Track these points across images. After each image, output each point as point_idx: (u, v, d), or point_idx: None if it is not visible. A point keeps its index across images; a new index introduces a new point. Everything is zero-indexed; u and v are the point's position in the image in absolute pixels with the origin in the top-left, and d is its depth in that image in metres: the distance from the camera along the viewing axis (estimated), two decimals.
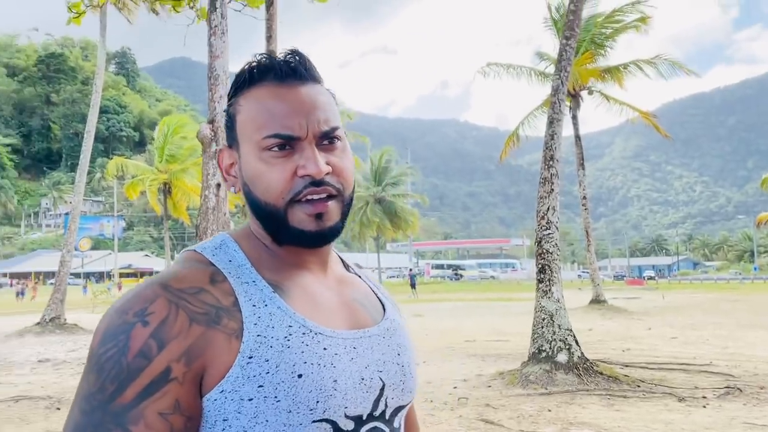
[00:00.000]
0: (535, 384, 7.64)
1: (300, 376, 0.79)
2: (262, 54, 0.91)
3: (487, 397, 7.28)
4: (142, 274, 70.86)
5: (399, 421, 0.93)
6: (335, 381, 0.82)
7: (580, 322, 15.76)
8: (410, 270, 49.64)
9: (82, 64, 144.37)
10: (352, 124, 43.76)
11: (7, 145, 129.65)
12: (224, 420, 0.78)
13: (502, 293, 39.09)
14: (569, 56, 9.39)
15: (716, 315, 19.46)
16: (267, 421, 0.78)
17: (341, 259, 1.06)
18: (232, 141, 0.92)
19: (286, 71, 0.89)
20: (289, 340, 0.81)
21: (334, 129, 0.88)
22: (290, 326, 0.83)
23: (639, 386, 7.54)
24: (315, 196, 0.86)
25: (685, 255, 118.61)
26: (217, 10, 6.52)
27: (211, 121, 6.60)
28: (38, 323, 16.66)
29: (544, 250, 8.73)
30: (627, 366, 9.07)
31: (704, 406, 6.56)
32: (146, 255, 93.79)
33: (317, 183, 0.85)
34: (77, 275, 67.19)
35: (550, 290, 8.55)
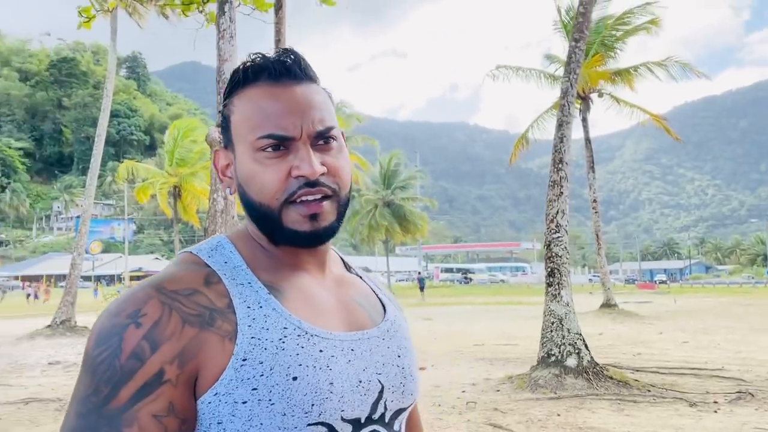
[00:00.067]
0: (544, 388, 7.59)
1: (295, 378, 0.78)
2: (256, 53, 0.90)
3: (496, 401, 7.24)
4: None
5: (400, 424, 0.92)
6: (331, 383, 0.81)
7: (591, 327, 15.66)
8: (419, 273, 49.55)
9: (94, 68, 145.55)
10: (361, 127, 43.79)
11: (20, 149, 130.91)
12: (218, 423, 0.77)
13: (512, 297, 38.95)
14: (578, 59, 9.36)
15: (729, 319, 19.29)
16: (261, 424, 0.77)
17: (342, 260, 1.05)
18: (228, 142, 0.92)
19: (280, 71, 0.87)
20: (283, 342, 0.80)
21: (330, 129, 0.87)
22: (285, 328, 0.81)
23: (649, 391, 7.47)
24: (309, 197, 0.84)
25: (697, 259, 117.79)
26: (226, 14, 6.54)
27: (220, 125, 6.62)
28: (49, 326, 16.77)
29: (554, 254, 8.68)
30: (637, 371, 9.00)
31: (715, 411, 6.49)
32: (156, 258, 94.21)
33: (312, 184, 0.84)
34: (88, 278, 67.60)
35: (559, 294, 8.50)
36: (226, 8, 6.53)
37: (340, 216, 0.89)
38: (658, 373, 8.86)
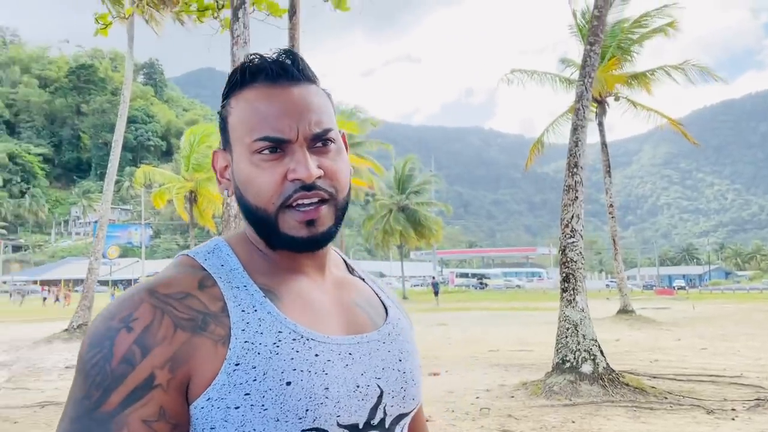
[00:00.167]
0: (559, 395, 7.52)
1: (288, 383, 0.77)
2: (254, 54, 0.89)
3: (510, 407, 7.18)
4: None
5: (401, 429, 0.90)
6: (326, 388, 0.79)
7: (607, 333, 15.52)
8: (433, 278, 49.43)
9: (112, 74, 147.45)
10: (376, 132, 43.86)
11: (39, 155, 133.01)
12: (211, 428, 0.76)
13: (528, 302, 38.71)
14: (594, 62, 9.29)
15: (748, 326, 19.01)
16: (254, 429, 0.76)
17: (345, 262, 1.04)
18: (226, 143, 0.90)
19: (278, 72, 0.86)
20: (278, 346, 0.79)
21: (327, 131, 0.86)
22: (280, 332, 0.80)
23: (666, 398, 7.37)
24: (306, 201, 0.83)
25: (717, 264, 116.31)
26: (240, 20, 6.58)
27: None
28: (66, 330, 16.93)
29: (569, 259, 8.61)
30: (654, 377, 8.88)
31: (733, 419, 6.39)
32: None
33: (308, 187, 0.83)
34: (105, 283, 68.26)
35: (574, 299, 8.42)
36: (240, 14, 6.57)
37: (338, 220, 0.87)
38: (675, 380, 8.74)
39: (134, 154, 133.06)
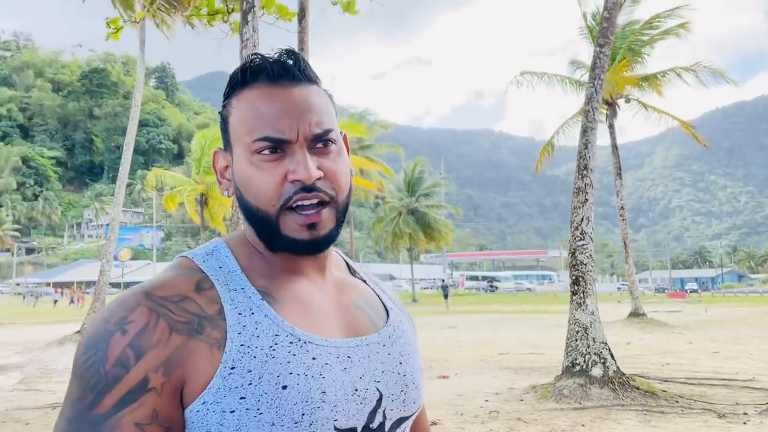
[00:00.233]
0: (568, 398, 7.48)
1: (284, 387, 0.77)
2: (255, 54, 0.88)
3: (519, 410, 7.15)
4: None
5: None
6: (323, 392, 0.79)
7: (618, 336, 15.43)
8: (442, 281, 49.32)
9: (124, 78, 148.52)
10: (386, 134, 43.89)
11: (52, 158, 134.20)
12: None
13: (539, 306, 38.54)
14: (603, 64, 9.26)
15: (761, 329, 18.83)
16: None
17: (347, 263, 1.03)
18: (226, 143, 0.90)
19: (279, 72, 0.85)
20: (274, 349, 0.78)
21: (328, 131, 0.85)
22: (277, 335, 0.80)
23: (677, 402, 7.31)
24: (306, 202, 0.83)
25: (730, 267, 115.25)
26: (249, 23, 6.61)
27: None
28: (78, 332, 17.04)
29: (579, 262, 8.57)
30: (666, 381, 8.82)
31: (745, 423, 6.33)
32: None
33: (308, 188, 0.82)
34: (117, 285, 68.69)
35: (584, 302, 8.38)
36: (249, 18, 6.60)
37: (339, 222, 0.87)
38: (686, 383, 8.67)
39: (146, 157, 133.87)
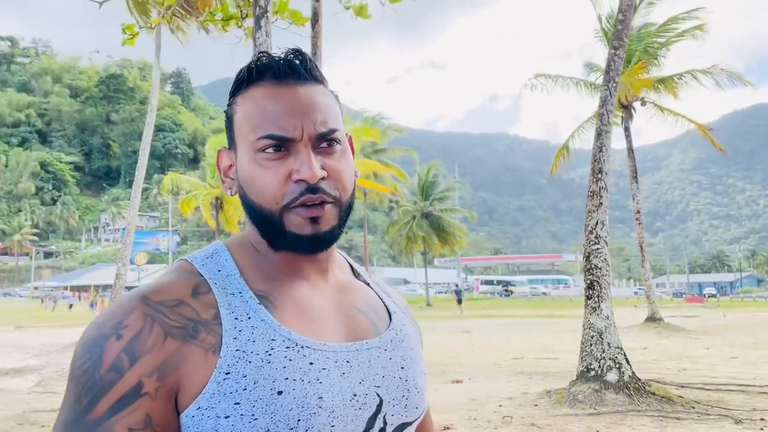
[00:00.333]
0: (583, 404, 7.41)
1: (280, 392, 0.76)
2: (262, 52, 0.88)
3: (533, 416, 7.10)
4: None
5: None
6: (320, 398, 0.78)
7: (635, 341, 15.29)
8: (456, 286, 49.14)
9: (140, 84, 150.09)
10: (399, 138, 43.88)
11: (70, 163, 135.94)
12: None
13: (554, 310, 38.29)
14: (618, 66, 9.20)
15: None
16: None
17: (351, 266, 1.02)
18: (231, 142, 0.89)
19: (285, 70, 0.85)
20: (270, 354, 0.77)
21: (333, 131, 0.84)
22: (273, 340, 0.79)
23: (693, 407, 7.22)
24: (309, 203, 0.82)
25: (749, 272, 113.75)
26: (262, 28, 6.65)
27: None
28: None
29: (593, 266, 8.50)
30: (682, 386, 8.71)
31: (762, 429, 6.23)
32: None
33: (312, 189, 0.81)
34: (133, 288, 69.28)
35: (599, 307, 8.30)
36: (263, 23, 6.64)
37: (342, 222, 0.86)
38: (703, 389, 8.56)
39: (162, 161, 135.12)
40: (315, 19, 8.79)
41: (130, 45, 9.60)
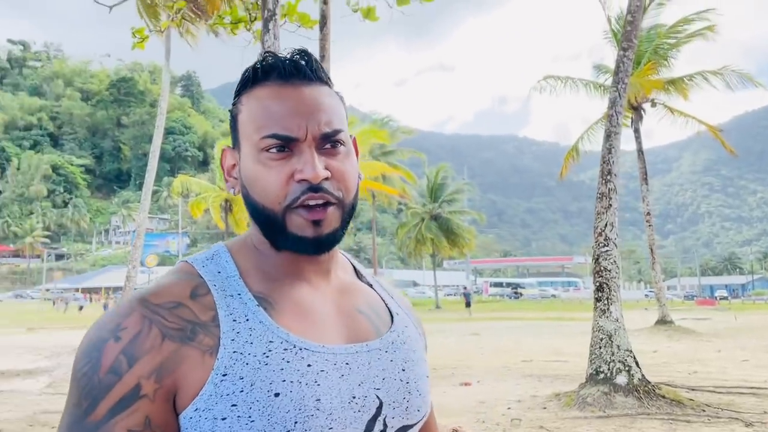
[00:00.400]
0: (592, 407, 7.37)
1: (277, 394, 0.75)
2: (268, 52, 0.88)
3: (542, 419, 7.07)
4: None
5: None
6: (318, 400, 0.77)
7: (645, 344, 15.20)
8: (464, 288, 49.01)
9: (151, 87, 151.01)
10: (408, 140, 43.87)
11: (81, 166, 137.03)
12: None
13: (563, 312, 38.13)
14: (627, 68, 9.16)
15: None
16: None
17: (353, 266, 1.01)
18: (235, 141, 0.90)
19: (290, 71, 0.85)
20: (267, 356, 0.77)
21: (337, 132, 0.84)
22: (271, 342, 0.79)
23: (704, 410, 7.16)
24: (312, 202, 0.82)
25: (761, 274, 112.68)
26: (270, 31, 6.67)
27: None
28: None
29: (602, 268, 8.46)
30: (692, 389, 8.65)
31: None
32: None
33: (315, 188, 0.81)
34: None
35: (608, 309, 8.26)
36: (271, 26, 6.66)
37: (344, 224, 0.86)
38: (714, 392, 8.50)
39: (172, 164, 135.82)
40: (323, 21, 8.81)
41: (140, 48, 9.65)
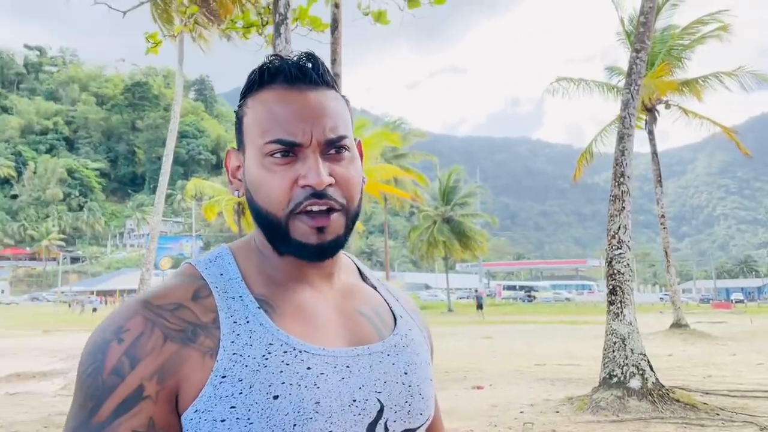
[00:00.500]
0: (605, 410, 7.32)
1: (276, 397, 0.76)
2: (275, 56, 0.88)
3: (555, 422, 7.03)
4: None
5: None
6: (317, 403, 0.77)
7: (660, 347, 15.07)
8: (476, 291, 48.83)
9: (165, 91, 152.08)
10: (421, 143, 43.84)
11: (96, 169, 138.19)
12: None
13: (577, 316, 37.89)
14: (640, 69, 9.11)
15: None
16: None
17: (358, 268, 1.01)
18: (240, 144, 0.89)
19: (296, 74, 0.84)
20: (267, 359, 0.78)
21: (342, 138, 0.84)
22: (271, 344, 0.79)
23: (718, 414, 7.09)
24: (315, 208, 0.81)
25: None
26: (281, 35, 6.71)
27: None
28: None
29: (615, 271, 8.40)
30: (707, 393, 8.57)
31: None
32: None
33: (319, 195, 0.81)
34: None
35: (621, 312, 8.21)
36: (282, 30, 6.70)
37: (348, 230, 0.86)
38: (728, 396, 8.41)
39: (185, 168, 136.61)
40: (334, 25, 8.84)
41: (154, 53, 9.76)
